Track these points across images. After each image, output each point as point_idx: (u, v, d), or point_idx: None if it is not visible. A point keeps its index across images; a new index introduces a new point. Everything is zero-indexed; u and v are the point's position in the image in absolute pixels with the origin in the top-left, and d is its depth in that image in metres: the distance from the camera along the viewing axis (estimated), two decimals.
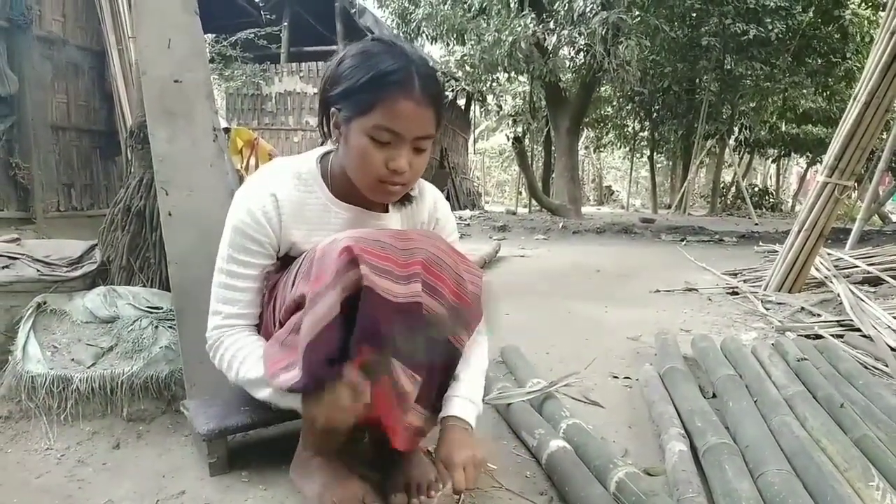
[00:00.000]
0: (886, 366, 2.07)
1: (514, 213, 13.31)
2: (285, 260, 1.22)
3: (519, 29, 9.34)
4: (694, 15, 11.60)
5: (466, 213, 11.76)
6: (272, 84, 12.10)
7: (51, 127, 5.54)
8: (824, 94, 15.23)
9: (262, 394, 1.17)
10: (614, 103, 18.47)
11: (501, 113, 17.81)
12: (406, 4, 11.27)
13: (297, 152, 1.29)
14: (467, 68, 11.01)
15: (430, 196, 1.34)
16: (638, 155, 22.75)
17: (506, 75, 12.43)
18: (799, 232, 3.48)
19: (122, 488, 1.26)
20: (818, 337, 2.51)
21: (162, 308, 1.76)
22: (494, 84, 13.44)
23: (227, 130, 5.37)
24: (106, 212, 2.07)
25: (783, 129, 19.41)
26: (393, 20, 11.85)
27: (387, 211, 1.27)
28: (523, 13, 9.65)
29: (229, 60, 11.58)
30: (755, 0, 10.78)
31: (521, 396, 1.62)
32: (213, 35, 11.49)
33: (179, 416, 1.52)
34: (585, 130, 19.58)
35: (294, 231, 1.19)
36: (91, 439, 1.46)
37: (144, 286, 1.90)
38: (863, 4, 12.05)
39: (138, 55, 1.80)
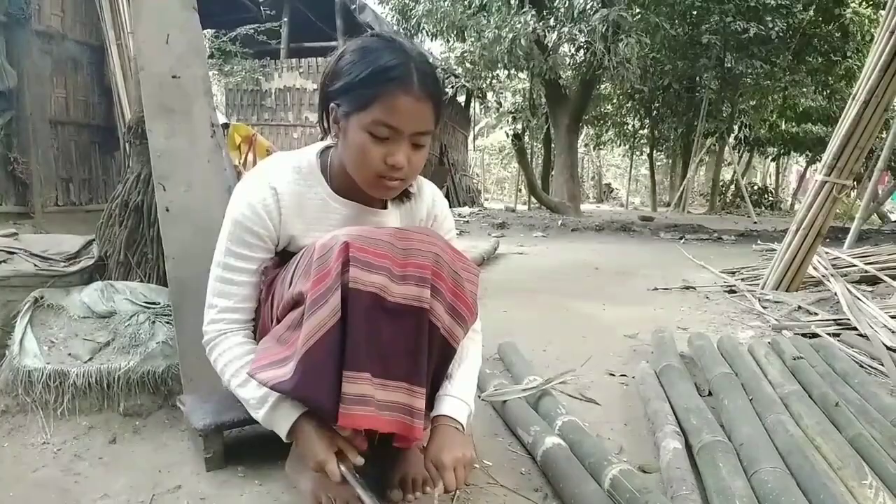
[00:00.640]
0: (882, 365, 2.07)
1: (514, 211, 13.31)
2: (283, 255, 1.22)
3: (519, 26, 9.33)
4: (694, 13, 11.59)
5: (466, 210, 11.76)
6: (272, 80, 12.08)
7: (49, 122, 5.54)
8: (824, 92, 15.24)
9: (251, 410, 1.15)
10: (614, 101, 18.46)
11: (501, 110, 17.77)
12: (406, 1, 11.26)
13: (297, 148, 1.30)
14: (467, 65, 11.00)
15: (429, 193, 1.34)
16: (637, 153, 22.75)
17: (506, 72, 12.39)
18: (797, 231, 3.48)
19: (118, 483, 1.26)
20: (815, 336, 2.51)
21: (159, 303, 1.76)
22: (494, 81, 13.42)
23: (225, 126, 5.36)
24: (104, 207, 2.07)
25: (783, 127, 19.39)
26: (393, 16, 11.84)
27: (385, 207, 1.27)
28: (523, 10, 9.64)
29: (229, 56, 11.57)
30: None
31: (517, 393, 1.63)
32: (213, 31, 11.46)
33: (176, 411, 1.52)
34: (585, 128, 19.56)
35: (293, 225, 1.19)
36: (88, 434, 1.46)
37: (142, 281, 1.90)
38: (863, 3, 12.06)
39: (136, 51, 1.79)
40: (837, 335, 2.49)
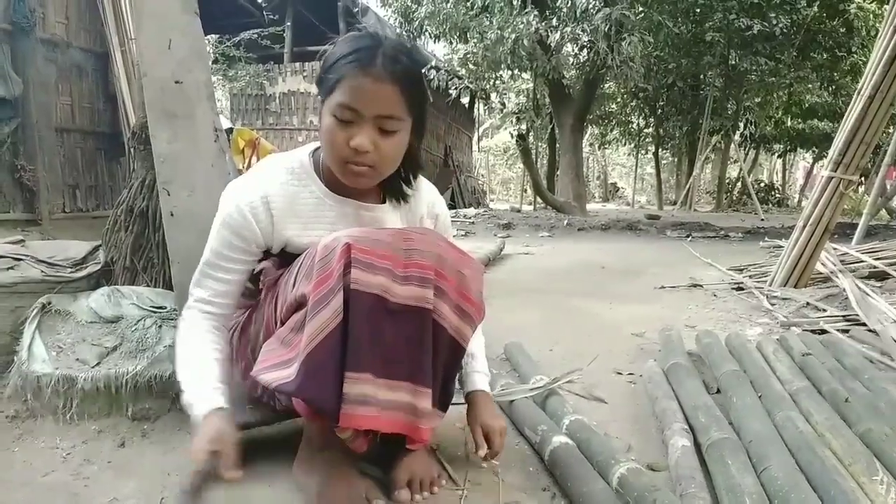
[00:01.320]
0: (892, 360, 2.06)
1: (519, 211, 13.29)
2: (283, 255, 1.23)
3: (522, 26, 9.32)
4: (698, 10, 11.54)
5: (471, 211, 11.76)
6: (276, 84, 12.13)
7: (55, 129, 5.58)
8: (830, 88, 15.17)
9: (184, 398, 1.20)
10: (618, 100, 18.43)
11: (505, 111, 17.77)
12: (409, 3, 11.26)
13: None
14: (470, 66, 10.98)
15: (427, 192, 1.35)
16: (643, 151, 22.70)
17: (509, 73, 12.40)
18: (804, 227, 3.46)
19: (127, 486, 1.26)
20: (823, 332, 2.50)
21: (165, 307, 1.77)
22: (498, 82, 13.40)
23: (229, 131, 5.39)
24: (111, 213, 2.08)
25: (789, 124, 19.32)
26: (395, 19, 11.84)
27: (383, 202, 1.27)
28: (526, 10, 9.62)
29: (233, 61, 11.63)
30: None
31: (524, 393, 1.62)
32: (217, 35, 11.52)
33: (184, 414, 1.52)
34: (590, 127, 19.52)
35: (288, 226, 1.20)
36: (96, 438, 1.47)
37: (148, 286, 1.91)
38: None
39: (139, 56, 1.80)
40: (846, 331, 2.47)
